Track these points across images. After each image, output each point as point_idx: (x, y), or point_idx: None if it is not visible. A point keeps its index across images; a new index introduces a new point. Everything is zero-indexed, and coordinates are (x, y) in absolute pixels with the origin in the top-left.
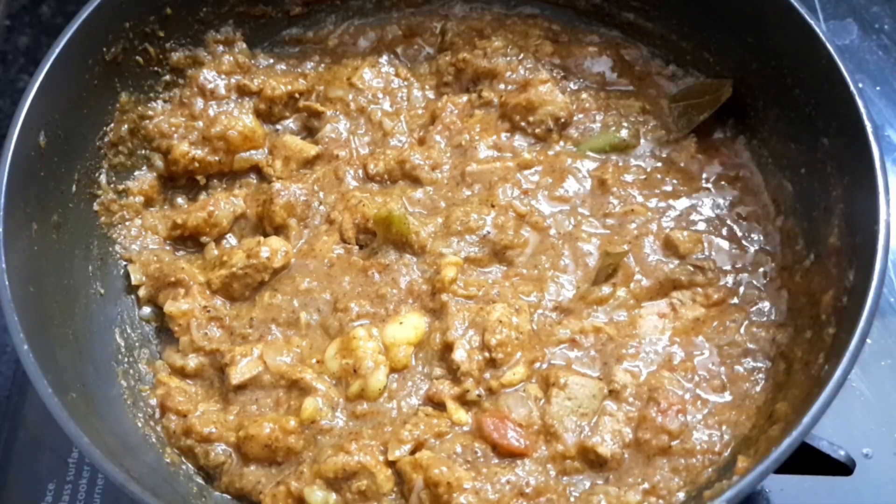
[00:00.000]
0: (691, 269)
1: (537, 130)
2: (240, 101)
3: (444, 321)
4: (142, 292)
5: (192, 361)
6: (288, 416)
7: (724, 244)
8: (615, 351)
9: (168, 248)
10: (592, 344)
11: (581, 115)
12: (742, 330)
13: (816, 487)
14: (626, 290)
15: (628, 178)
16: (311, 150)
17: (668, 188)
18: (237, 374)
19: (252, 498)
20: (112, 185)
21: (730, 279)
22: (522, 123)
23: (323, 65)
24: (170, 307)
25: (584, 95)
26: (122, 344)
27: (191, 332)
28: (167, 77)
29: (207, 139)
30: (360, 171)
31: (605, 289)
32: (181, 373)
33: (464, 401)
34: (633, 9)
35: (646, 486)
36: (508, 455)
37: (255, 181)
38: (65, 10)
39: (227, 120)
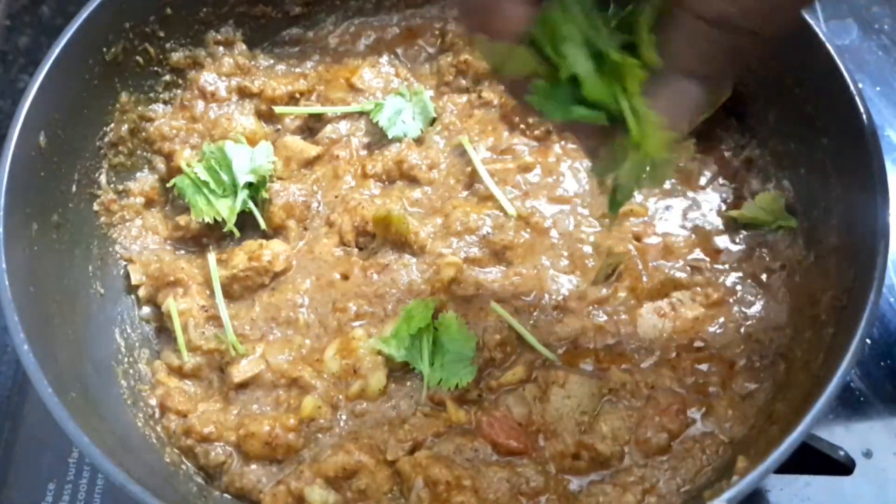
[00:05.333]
0: (690, 269)
1: (536, 132)
2: (240, 102)
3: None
4: (141, 292)
5: (190, 361)
6: (288, 414)
7: (723, 244)
8: (615, 349)
9: (168, 247)
10: (593, 343)
11: None
12: (741, 330)
13: (816, 487)
14: (627, 290)
15: None
16: (312, 150)
17: (668, 187)
18: (239, 373)
19: (252, 497)
20: (112, 186)
21: (729, 279)
22: (522, 125)
23: (323, 65)
24: (168, 306)
25: None
26: (122, 344)
27: (188, 331)
28: (167, 77)
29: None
30: (359, 171)
31: (606, 289)
32: (178, 372)
33: (463, 400)
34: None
35: (645, 485)
36: (508, 454)
37: None
38: (65, 11)
39: (228, 122)
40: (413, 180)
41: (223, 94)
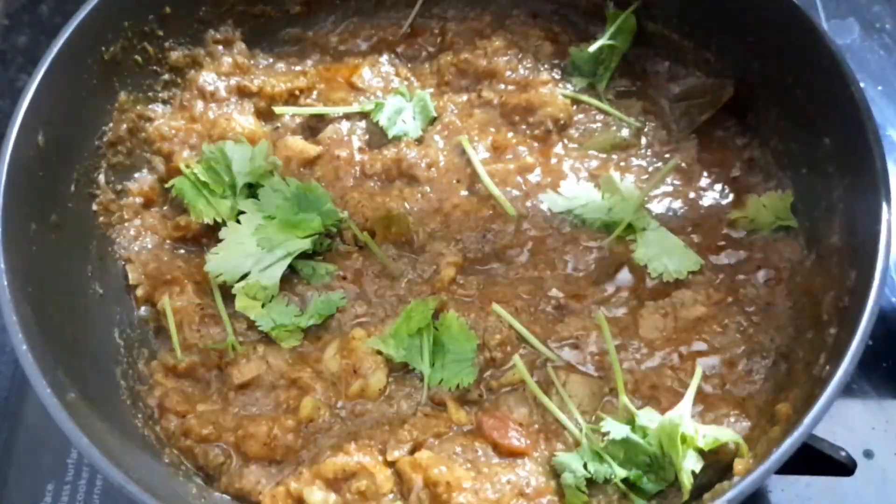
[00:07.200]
0: None
1: (536, 132)
2: (240, 102)
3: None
4: (139, 292)
5: (184, 360)
6: (287, 414)
7: (725, 244)
8: (616, 349)
9: (167, 247)
10: (594, 342)
11: (581, 116)
12: (743, 330)
13: (817, 488)
14: (628, 290)
15: (630, 177)
16: (313, 150)
17: (669, 188)
18: (240, 374)
19: (251, 498)
20: (111, 185)
21: (730, 279)
22: (522, 126)
23: (322, 63)
24: (163, 304)
25: (584, 96)
26: (122, 344)
27: (184, 329)
28: (166, 76)
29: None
30: (359, 171)
31: (607, 288)
32: (173, 372)
33: (464, 400)
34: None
35: None
36: (509, 454)
37: None
38: (63, 10)
39: (227, 123)
40: (413, 179)
41: (222, 94)
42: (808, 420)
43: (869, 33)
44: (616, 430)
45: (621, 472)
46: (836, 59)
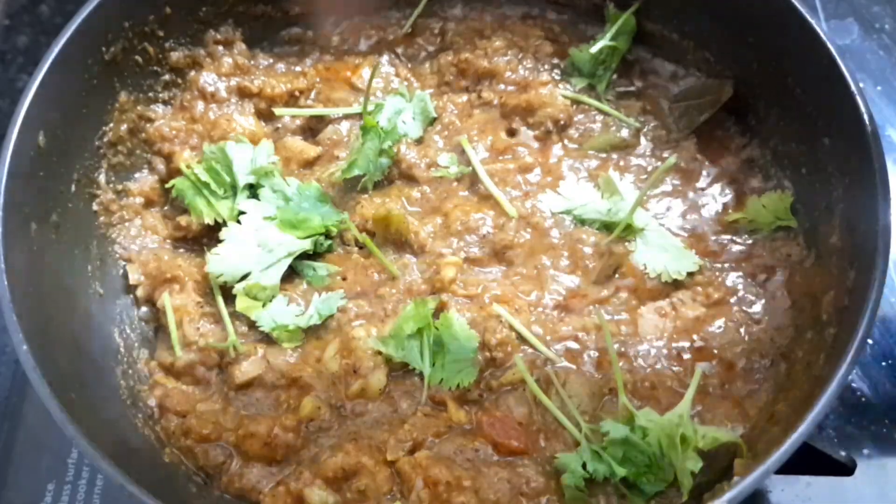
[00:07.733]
0: None
1: (536, 132)
2: (240, 103)
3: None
4: (139, 292)
5: (183, 357)
6: (287, 414)
7: (724, 244)
8: (616, 349)
9: (168, 246)
10: (594, 342)
11: (581, 116)
12: (742, 330)
13: (817, 487)
14: (628, 290)
15: (629, 177)
16: (312, 151)
17: (669, 188)
18: (241, 374)
19: (251, 498)
20: (111, 185)
21: (729, 279)
22: (522, 126)
23: (322, 62)
24: (163, 302)
25: (584, 97)
26: (122, 344)
27: (183, 327)
28: (167, 77)
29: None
30: None
31: (607, 288)
32: (172, 371)
33: (464, 400)
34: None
35: None
36: (509, 454)
37: None
38: (64, 10)
39: (228, 123)
40: (412, 179)
41: (223, 95)
42: (808, 420)
43: (868, 33)
44: (615, 430)
45: (621, 472)
46: (835, 60)
